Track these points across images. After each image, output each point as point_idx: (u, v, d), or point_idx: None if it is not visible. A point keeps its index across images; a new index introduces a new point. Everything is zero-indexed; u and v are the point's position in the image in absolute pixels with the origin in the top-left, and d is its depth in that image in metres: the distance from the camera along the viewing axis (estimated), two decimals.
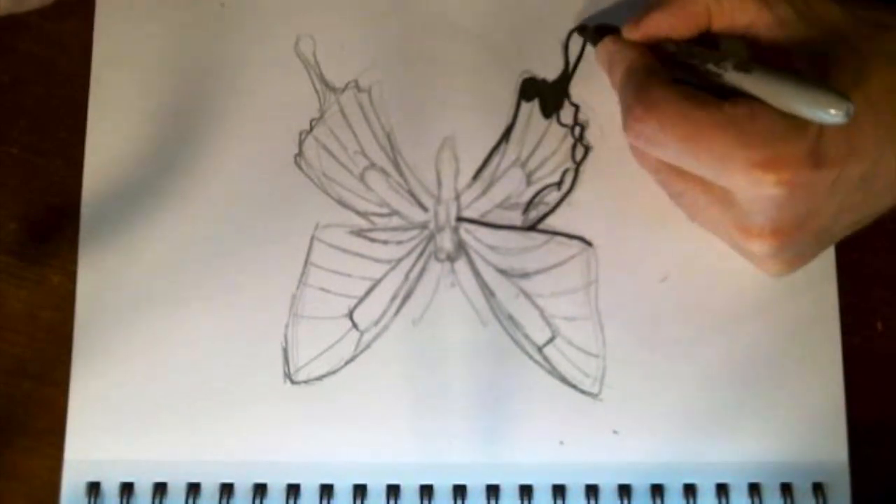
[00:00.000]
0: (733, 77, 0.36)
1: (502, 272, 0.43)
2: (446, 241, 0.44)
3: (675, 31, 0.40)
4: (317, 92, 0.44)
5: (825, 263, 0.43)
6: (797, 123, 0.34)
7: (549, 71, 0.45)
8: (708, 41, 0.40)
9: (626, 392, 0.43)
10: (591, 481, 0.42)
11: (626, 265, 0.43)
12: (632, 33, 0.41)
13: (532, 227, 0.44)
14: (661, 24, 0.40)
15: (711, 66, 0.37)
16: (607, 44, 0.42)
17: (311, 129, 0.44)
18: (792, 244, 0.37)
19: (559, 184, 0.44)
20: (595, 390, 0.43)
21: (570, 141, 0.44)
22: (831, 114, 0.33)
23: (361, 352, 0.43)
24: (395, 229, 0.44)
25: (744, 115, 0.35)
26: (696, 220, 0.41)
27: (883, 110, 0.36)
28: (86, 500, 0.42)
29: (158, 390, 0.42)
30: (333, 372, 0.43)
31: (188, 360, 0.43)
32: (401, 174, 0.44)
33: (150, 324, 0.43)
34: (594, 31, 0.43)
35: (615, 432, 0.42)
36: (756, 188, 0.35)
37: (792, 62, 0.37)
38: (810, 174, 0.34)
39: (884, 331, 0.44)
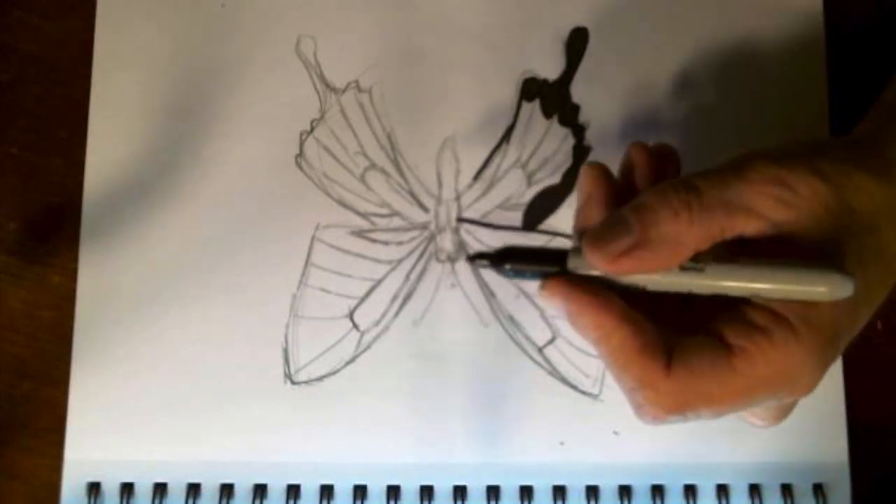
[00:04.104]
0: (716, 285, 0.33)
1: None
2: (447, 242, 0.44)
3: (654, 270, 0.33)
4: (317, 92, 0.44)
5: None
6: (815, 340, 0.32)
7: (551, 71, 0.45)
8: None
9: None
10: (592, 482, 0.42)
11: None
12: (599, 263, 0.33)
13: (533, 228, 0.44)
14: (645, 265, 0.32)
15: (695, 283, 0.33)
16: (556, 289, 0.33)
17: (312, 129, 0.44)
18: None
19: (560, 184, 0.44)
20: (595, 391, 0.43)
21: (570, 141, 0.44)
22: (838, 290, 0.31)
23: (362, 352, 0.43)
24: (395, 230, 0.44)
25: (760, 365, 0.32)
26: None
27: (873, 280, 0.34)
28: (86, 500, 0.42)
29: (158, 390, 0.42)
30: (334, 372, 0.43)
31: (188, 360, 0.43)
32: (401, 175, 0.44)
33: (150, 324, 0.43)
34: (497, 256, 0.34)
35: (615, 433, 0.42)
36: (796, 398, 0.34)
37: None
38: (832, 358, 0.33)
39: (884, 331, 0.44)
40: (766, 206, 0.33)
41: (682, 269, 0.33)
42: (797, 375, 0.32)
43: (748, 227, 0.33)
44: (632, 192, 0.35)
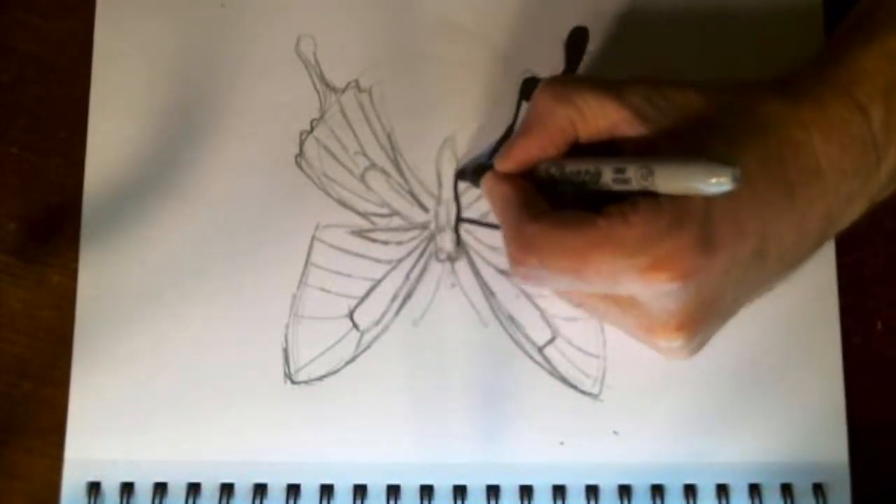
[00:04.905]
0: (610, 182, 0.35)
1: (503, 272, 0.43)
2: (447, 242, 0.44)
3: (545, 152, 0.37)
4: (317, 92, 0.44)
5: (825, 263, 0.43)
6: (678, 214, 0.33)
7: (550, 71, 0.45)
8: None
9: (626, 392, 0.43)
10: (592, 481, 0.42)
11: None
12: (504, 165, 0.38)
13: None
14: (530, 149, 0.38)
15: (588, 180, 0.36)
16: (486, 182, 0.39)
17: (312, 129, 0.44)
18: (697, 332, 0.36)
19: None
20: (595, 390, 0.43)
21: None
22: (719, 182, 0.32)
23: (362, 352, 0.43)
24: (395, 230, 0.44)
25: (619, 224, 0.33)
26: (599, 320, 0.39)
27: (760, 185, 0.34)
28: (86, 500, 0.42)
29: (158, 390, 0.42)
30: (334, 372, 0.43)
31: (188, 360, 0.43)
32: (401, 174, 0.44)
33: (150, 324, 0.43)
34: (473, 171, 0.43)
35: (615, 432, 0.42)
36: (652, 289, 0.34)
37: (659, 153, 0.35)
38: (702, 261, 0.33)
39: (884, 331, 0.44)
40: (637, 101, 0.36)
41: (549, 165, 0.37)
42: (653, 245, 0.33)
43: (620, 121, 0.36)
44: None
